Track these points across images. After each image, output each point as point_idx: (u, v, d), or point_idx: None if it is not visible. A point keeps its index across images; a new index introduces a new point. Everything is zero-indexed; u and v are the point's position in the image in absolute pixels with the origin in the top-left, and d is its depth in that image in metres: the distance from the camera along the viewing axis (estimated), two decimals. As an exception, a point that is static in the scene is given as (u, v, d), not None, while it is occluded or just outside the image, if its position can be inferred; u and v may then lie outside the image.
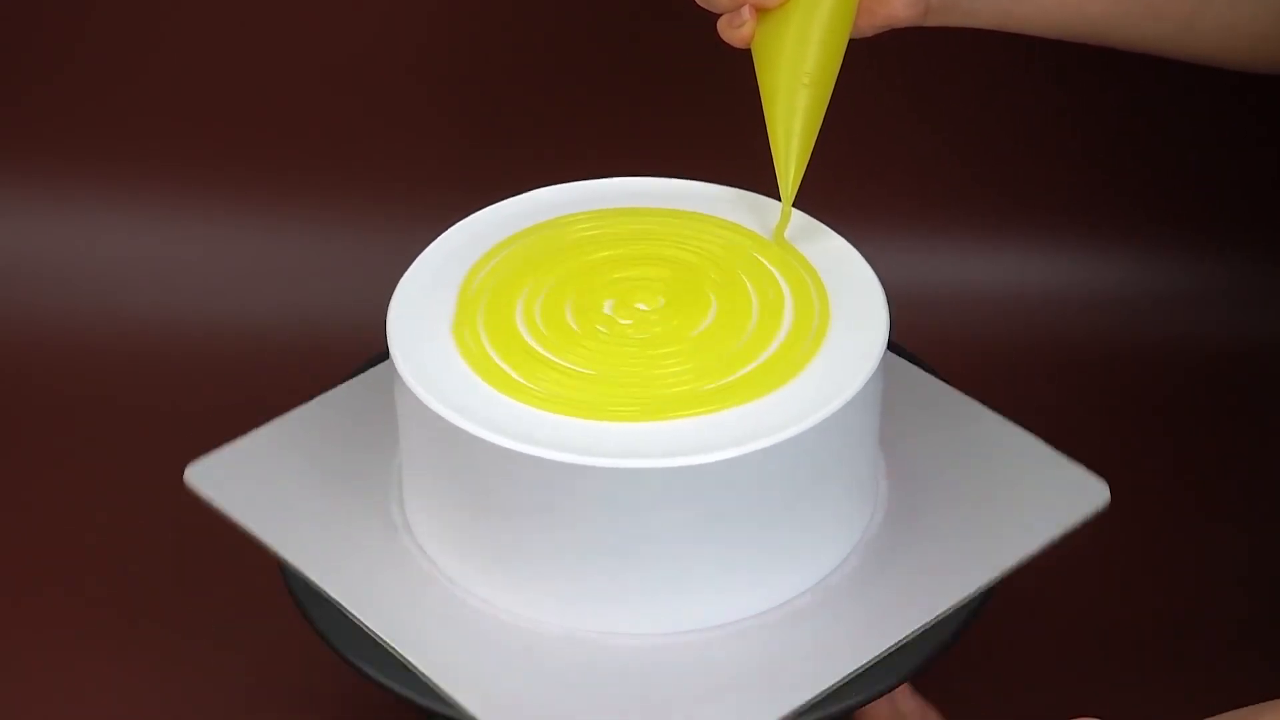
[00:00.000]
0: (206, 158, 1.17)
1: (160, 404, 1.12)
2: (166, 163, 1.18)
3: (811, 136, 0.78)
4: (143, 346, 1.15)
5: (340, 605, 0.73)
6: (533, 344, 0.74)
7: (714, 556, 0.71)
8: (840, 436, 0.72)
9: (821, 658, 0.71)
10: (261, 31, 1.14)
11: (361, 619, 0.73)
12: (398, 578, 0.75)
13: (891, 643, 0.71)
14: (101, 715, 0.95)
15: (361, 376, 0.84)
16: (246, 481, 0.79)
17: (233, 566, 0.99)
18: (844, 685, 0.70)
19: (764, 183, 0.80)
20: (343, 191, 1.18)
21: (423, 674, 0.71)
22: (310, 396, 0.85)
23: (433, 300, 0.77)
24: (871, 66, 0.89)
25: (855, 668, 0.71)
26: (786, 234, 0.79)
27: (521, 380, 0.72)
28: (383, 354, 0.77)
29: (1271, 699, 0.68)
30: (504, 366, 0.73)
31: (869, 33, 0.81)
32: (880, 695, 0.71)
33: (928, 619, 0.72)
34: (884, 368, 0.74)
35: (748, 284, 0.77)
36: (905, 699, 0.86)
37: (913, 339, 0.86)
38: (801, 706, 0.69)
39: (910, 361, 0.85)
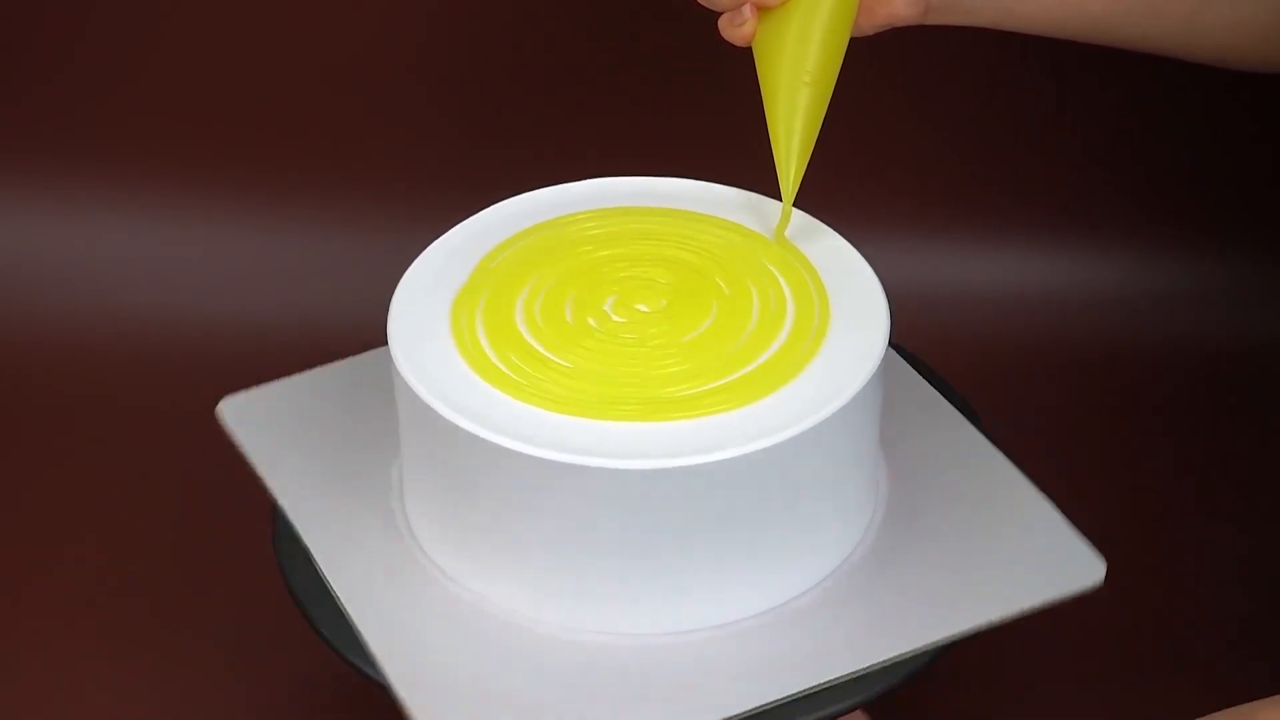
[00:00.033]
0: (206, 158, 1.17)
1: (160, 404, 1.12)
2: (166, 163, 1.18)
3: (812, 136, 0.78)
4: (143, 346, 1.15)
5: (341, 605, 0.73)
6: (533, 343, 0.74)
7: (714, 556, 0.71)
8: (840, 437, 0.72)
9: (821, 658, 0.71)
10: (261, 31, 1.14)
11: (358, 621, 0.73)
12: (397, 576, 0.75)
13: (893, 644, 0.71)
14: (101, 715, 0.95)
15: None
16: (273, 429, 0.81)
17: (233, 566, 0.99)
18: (844, 685, 0.70)
19: (765, 182, 0.80)
20: (343, 191, 1.18)
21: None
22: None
23: (433, 300, 0.77)
24: (872, 65, 0.89)
25: (855, 668, 0.71)
26: (787, 233, 0.79)
27: (521, 380, 0.72)
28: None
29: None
30: (504, 366, 0.73)
31: (870, 31, 0.81)
32: (880, 695, 0.71)
33: (928, 624, 0.72)
34: (884, 368, 0.74)
35: (748, 284, 0.77)
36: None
37: (913, 339, 0.85)
38: (800, 706, 0.69)
39: (910, 363, 0.85)
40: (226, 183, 1.18)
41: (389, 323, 0.75)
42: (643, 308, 0.76)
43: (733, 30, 0.79)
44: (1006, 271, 1.18)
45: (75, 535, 1.04)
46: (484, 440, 0.69)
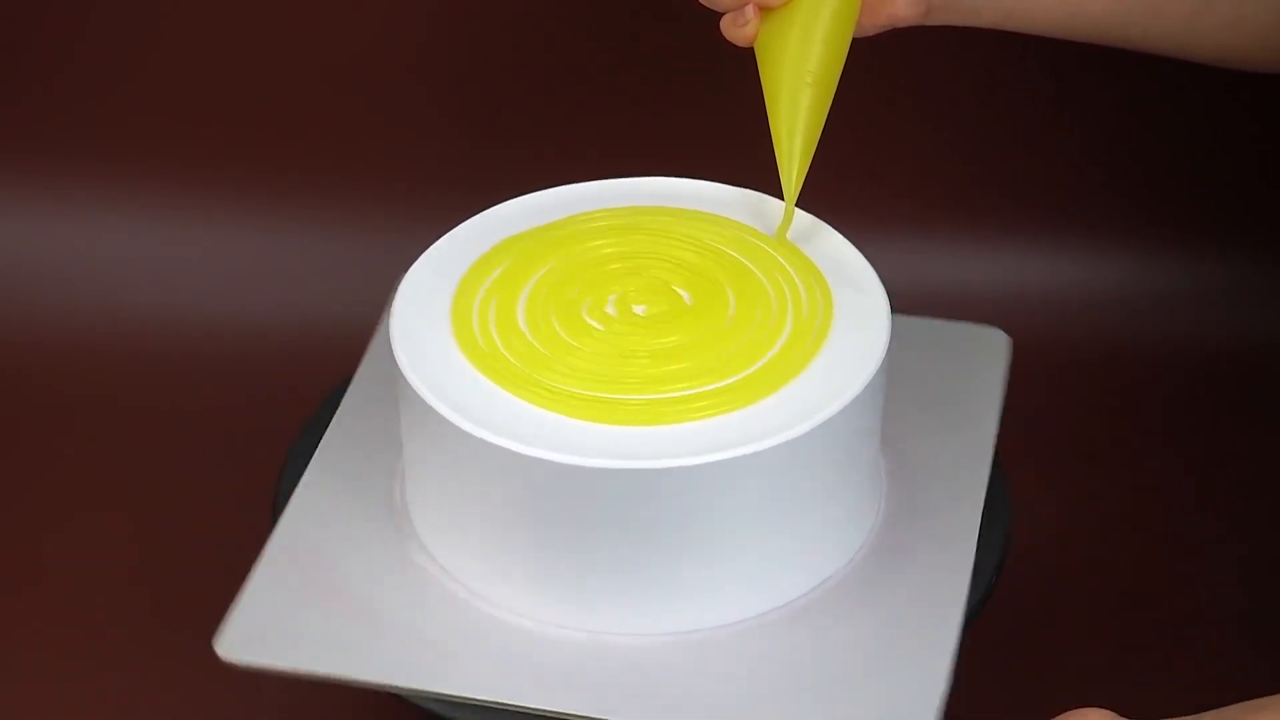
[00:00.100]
0: (206, 158, 1.17)
1: (160, 404, 1.12)
2: (166, 163, 1.17)
3: (815, 136, 0.78)
4: (143, 346, 1.15)
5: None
6: (534, 344, 0.74)
7: (714, 556, 0.71)
8: (842, 437, 0.72)
9: (821, 658, 0.71)
10: (261, 31, 1.14)
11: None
12: (397, 575, 0.75)
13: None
14: (101, 715, 0.95)
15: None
16: None
17: (233, 566, 0.99)
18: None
19: (766, 182, 0.80)
20: (343, 191, 1.18)
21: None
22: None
23: (435, 300, 0.77)
24: (873, 66, 0.89)
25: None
26: (789, 234, 0.79)
27: (523, 380, 0.72)
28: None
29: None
30: (505, 367, 0.73)
31: (871, 32, 0.81)
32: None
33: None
34: (885, 368, 0.74)
35: (750, 284, 0.77)
36: None
37: (913, 339, 0.85)
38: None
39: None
40: (226, 183, 1.18)
41: (390, 323, 0.75)
42: (644, 308, 0.76)
43: (735, 30, 0.79)
44: (1006, 271, 1.18)
45: (75, 535, 1.04)
46: (484, 440, 0.69)
